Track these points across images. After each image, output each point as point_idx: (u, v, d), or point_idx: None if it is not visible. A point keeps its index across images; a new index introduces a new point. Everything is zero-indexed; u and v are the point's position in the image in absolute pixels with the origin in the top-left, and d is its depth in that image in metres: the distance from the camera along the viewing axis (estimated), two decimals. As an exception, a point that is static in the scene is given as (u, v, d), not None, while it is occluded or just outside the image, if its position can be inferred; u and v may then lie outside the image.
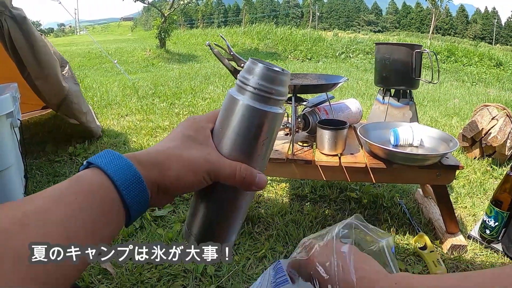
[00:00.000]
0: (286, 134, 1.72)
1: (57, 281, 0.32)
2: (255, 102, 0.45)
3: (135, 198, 0.39)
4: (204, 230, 0.51)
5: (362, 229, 0.64)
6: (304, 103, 1.65)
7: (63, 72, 2.66)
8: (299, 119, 1.70)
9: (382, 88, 2.02)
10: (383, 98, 1.99)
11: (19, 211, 0.33)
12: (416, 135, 1.58)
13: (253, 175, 0.47)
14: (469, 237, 1.74)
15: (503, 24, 74.40)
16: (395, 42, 2.20)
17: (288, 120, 1.78)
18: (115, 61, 6.40)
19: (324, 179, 1.58)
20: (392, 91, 1.98)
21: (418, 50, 1.85)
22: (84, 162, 0.41)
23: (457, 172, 2.41)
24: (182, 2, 12.67)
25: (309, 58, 11.50)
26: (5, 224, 0.31)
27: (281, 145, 1.66)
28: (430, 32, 19.75)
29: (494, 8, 76.65)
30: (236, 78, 1.46)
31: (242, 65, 1.42)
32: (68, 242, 0.33)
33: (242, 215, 0.53)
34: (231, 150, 0.47)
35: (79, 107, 2.71)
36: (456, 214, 1.91)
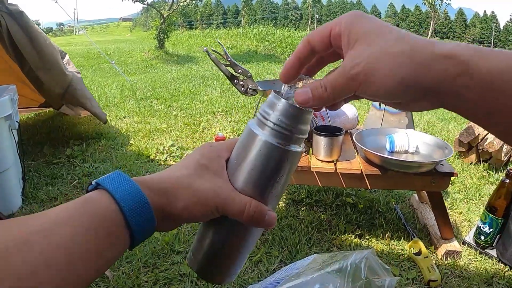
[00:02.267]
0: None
1: None
2: (274, 139, 0.43)
3: (140, 224, 0.39)
4: (209, 261, 0.50)
5: (373, 266, 0.66)
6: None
7: (64, 60, 2.69)
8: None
9: (378, 94, 2.03)
10: (380, 104, 2.00)
11: (24, 230, 0.33)
12: (412, 142, 1.59)
13: (262, 213, 0.45)
14: (463, 242, 1.75)
15: (502, 28, 74.67)
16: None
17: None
18: (113, 62, 6.41)
19: (320, 185, 1.59)
20: (389, 97, 1.99)
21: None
22: (93, 182, 0.40)
23: (453, 177, 2.43)
24: (181, 3, 12.66)
25: (307, 60, 11.51)
26: (8, 242, 0.31)
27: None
28: (429, 35, 19.84)
29: (493, 12, 76.88)
30: (233, 84, 1.47)
31: (239, 70, 1.43)
32: (71, 264, 0.33)
33: (248, 249, 0.52)
34: (244, 184, 0.45)
35: (83, 93, 2.75)
36: (452, 220, 1.92)
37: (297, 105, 0.43)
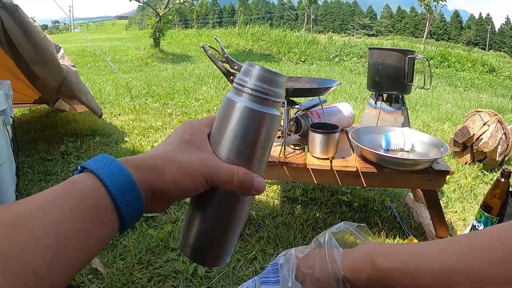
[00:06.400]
0: (278, 137, 1.73)
1: (48, 286, 0.32)
2: (253, 103, 0.45)
3: (128, 203, 0.38)
4: (201, 241, 0.49)
5: (352, 232, 0.66)
6: (297, 106, 1.65)
7: (58, 54, 2.68)
8: (291, 122, 1.70)
9: (374, 93, 2.03)
10: (375, 103, 2.00)
11: (10, 213, 0.33)
12: (408, 140, 1.59)
13: (251, 179, 0.45)
14: (458, 241, 1.75)
15: (497, 31, 75.05)
16: (388, 47, 2.22)
17: (280, 123, 1.78)
18: (108, 60, 6.38)
19: (316, 183, 1.58)
20: (385, 95, 1.99)
21: (411, 56, 1.86)
22: (78, 167, 0.40)
23: (448, 177, 2.44)
24: (177, 2, 12.62)
25: (303, 60, 11.51)
26: None
27: (273, 147, 1.66)
28: (424, 37, 19.91)
29: (488, 15, 77.31)
30: (229, 81, 1.46)
31: (235, 67, 1.43)
32: (59, 244, 0.33)
33: (240, 224, 0.51)
34: (229, 153, 0.46)
35: (78, 86, 2.74)
36: (447, 219, 1.92)
37: (271, 70, 0.44)
